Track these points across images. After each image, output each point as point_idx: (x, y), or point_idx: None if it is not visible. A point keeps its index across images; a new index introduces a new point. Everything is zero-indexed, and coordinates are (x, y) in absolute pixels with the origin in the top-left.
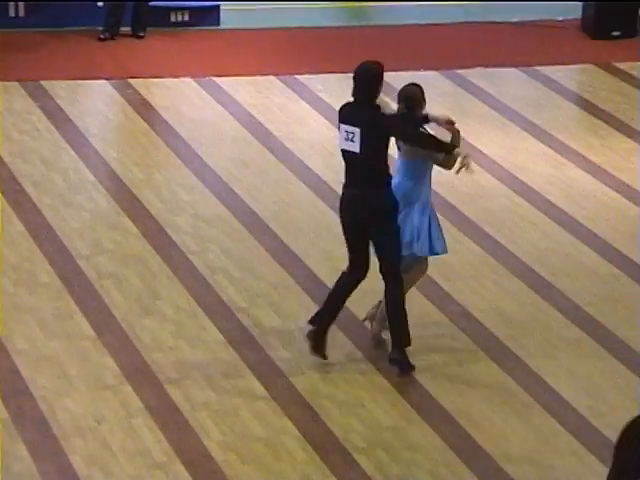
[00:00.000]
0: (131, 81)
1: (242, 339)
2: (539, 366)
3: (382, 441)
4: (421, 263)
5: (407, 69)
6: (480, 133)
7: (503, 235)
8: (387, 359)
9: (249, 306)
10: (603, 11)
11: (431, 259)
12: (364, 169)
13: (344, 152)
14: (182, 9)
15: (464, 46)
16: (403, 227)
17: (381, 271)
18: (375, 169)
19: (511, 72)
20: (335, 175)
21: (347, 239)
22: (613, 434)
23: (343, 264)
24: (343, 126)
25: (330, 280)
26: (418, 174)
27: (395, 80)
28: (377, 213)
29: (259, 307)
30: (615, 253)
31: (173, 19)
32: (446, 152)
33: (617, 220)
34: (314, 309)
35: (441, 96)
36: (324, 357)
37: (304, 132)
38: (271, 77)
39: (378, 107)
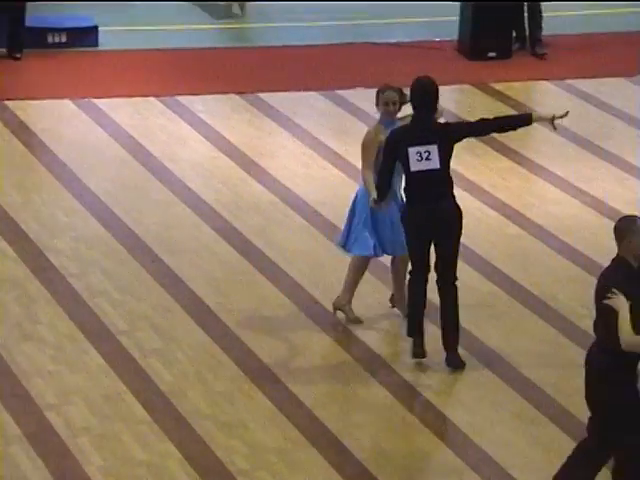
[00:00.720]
0: (8, 103)
1: (123, 362)
2: (423, 386)
3: (266, 463)
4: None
5: (288, 90)
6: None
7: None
8: (445, 362)
9: (131, 329)
10: (479, 33)
11: (317, 278)
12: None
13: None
14: (59, 30)
15: (344, 67)
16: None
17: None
18: (450, 181)
19: None
20: (216, 195)
21: (417, 248)
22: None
23: (225, 285)
24: (413, 149)
25: (212, 300)
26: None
27: (274, 100)
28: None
29: (141, 330)
30: (494, 270)
31: (50, 40)
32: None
33: (495, 237)
34: (197, 331)
35: (322, 117)
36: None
37: (185, 153)
38: (151, 98)
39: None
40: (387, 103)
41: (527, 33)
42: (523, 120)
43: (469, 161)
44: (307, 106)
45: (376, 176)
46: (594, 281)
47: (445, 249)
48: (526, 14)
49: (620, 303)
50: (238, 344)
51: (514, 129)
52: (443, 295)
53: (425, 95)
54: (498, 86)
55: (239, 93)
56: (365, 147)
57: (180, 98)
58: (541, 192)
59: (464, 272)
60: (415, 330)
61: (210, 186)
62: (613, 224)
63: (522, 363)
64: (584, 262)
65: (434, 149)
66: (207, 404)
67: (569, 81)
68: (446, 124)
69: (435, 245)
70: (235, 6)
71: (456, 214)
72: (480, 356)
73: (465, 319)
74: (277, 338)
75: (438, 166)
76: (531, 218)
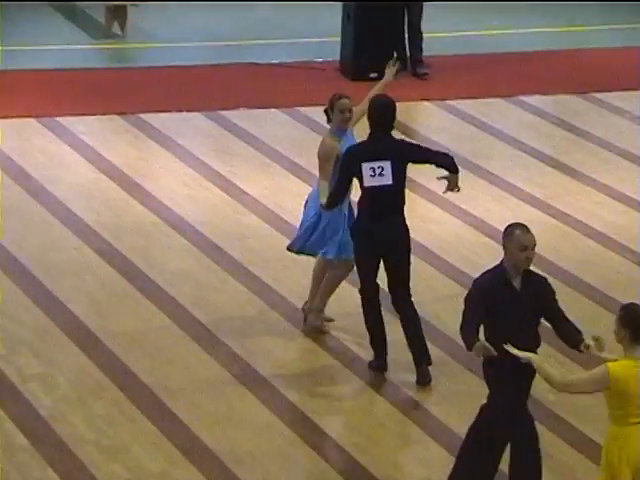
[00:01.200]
0: None
1: (2, 388)
2: (305, 405)
3: None
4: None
5: (170, 110)
6: (245, 174)
7: (268, 274)
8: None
9: (9, 353)
10: (360, 53)
11: (199, 299)
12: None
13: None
14: None
15: (227, 87)
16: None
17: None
18: (402, 199)
19: (273, 113)
20: (97, 216)
21: (365, 267)
22: None
23: (106, 306)
24: (367, 164)
25: (93, 323)
26: None
27: (156, 121)
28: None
29: (20, 354)
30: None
31: None
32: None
33: None
34: (77, 354)
35: (205, 137)
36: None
37: (65, 175)
38: (31, 120)
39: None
40: (343, 110)
41: (408, 54)
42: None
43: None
44: (189, 127)
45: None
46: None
47: (396, 265)
48: (407, 35)
49: (536, 360)
50: (120, 366)
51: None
52: (402, 312)
53: (382, 114)
54: None
55: (120, 114)
56: (324, 159)
57: (60, 119)
58: (423, 212)
59: (353, 296)
60: (380, 349)
61: (91, 208)
62: (493, 243)
63: None
64: (465, 281)
65: (387, 165)
66: (88, 428)
67: (449, 101)
68: (402, 142)
69: (385, 262)
70: (115, 26)
71: (404, 230)
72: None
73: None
74: (160, 360)
75: (390, 182)
76: (414, 238)
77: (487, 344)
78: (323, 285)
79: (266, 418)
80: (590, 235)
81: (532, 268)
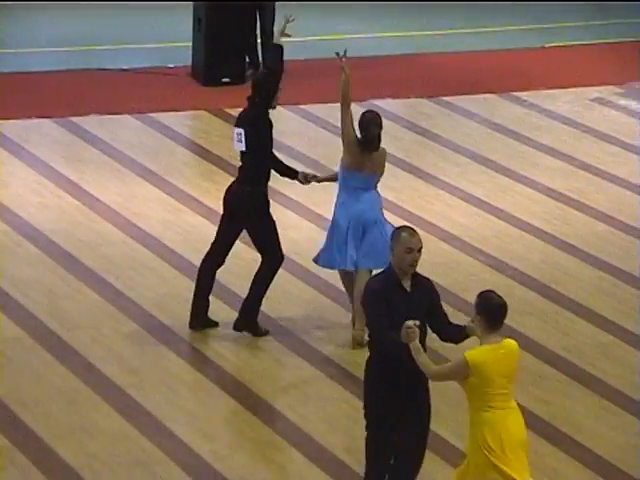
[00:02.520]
0: None
1: None
2: (162, 412)
3: None
4: None
5: (19, 117)
6: (97, 181)
7: (122, 282)
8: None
9: None
10: (212, 58)
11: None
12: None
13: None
14: None
15: (77, 93)
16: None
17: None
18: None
19: (125, 119)
20: None
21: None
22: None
23: None
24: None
25: None
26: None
27: (5, 128)
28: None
29: None
30: (234, 297)
31: None
32: None
33: (234, 264)
34: None
35: (56, 144)
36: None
37: None
38: None
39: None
40: None
41: (260, 59)
42: None
43: (206, 187)
44: (40, 134)
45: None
46: (330, 304)
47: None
48: (259, 40)
49: (415, 347)
50: None
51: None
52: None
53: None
54: (233, 111)
55: None
56: None
57: None
58: (279, 217)
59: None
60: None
61: None
62: None
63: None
64: (320, 285)
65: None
66: None
67: (303, 106)
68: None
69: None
70: None
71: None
72: (220, 382)
73: (205, 345)
74: (12, 371)
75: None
76: None
77: (410, 322)
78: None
79: (121, 427)
80: (442, 238)
81: None
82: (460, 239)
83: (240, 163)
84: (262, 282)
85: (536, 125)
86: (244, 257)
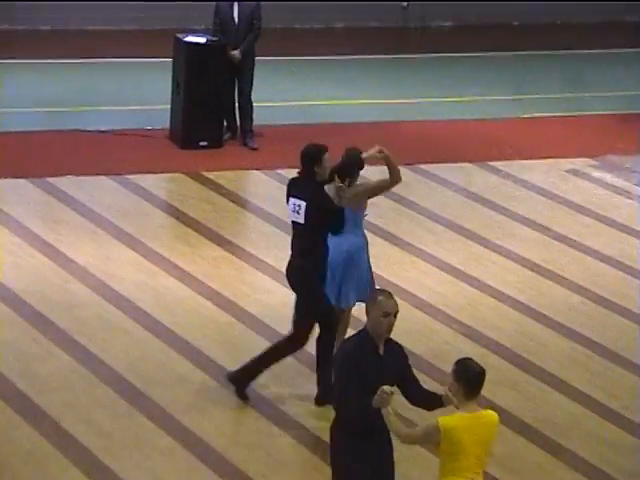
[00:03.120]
0: None
1: None
2: (132, 477)
3: None
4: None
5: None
6: (72, 242)
7: (95, 344)
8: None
9: None
10: (190, 122)
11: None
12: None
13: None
14: None
15: (55, 154)
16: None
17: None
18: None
19: (102, 180)
20: None
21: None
22: None
23: None
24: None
25: None
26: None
27: None
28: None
29: None
30: (205, 359)
31: None
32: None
33: (207, 327)
34: None
35: (32, 204)
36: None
37: None
38: None
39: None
40: None
41: (238, 123)
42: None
43: (181, 250)
44: (16, 194)
45: None
46: (303, 369)
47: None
48: (237, 104)
49: (386, 412)
50: None
51: None
52: None
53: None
54: (210, 175)
55: None
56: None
57: None
58: (253, 280)
59: (176, 361)
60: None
61: None
62: None
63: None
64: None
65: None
66: None
67: (280, 170)
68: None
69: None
70: None
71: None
72: (193, 449)
73: (178, 409)
74: None
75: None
76: (243, 307)
77: (385, 388)
78: None
79: None
80: (417, 305)
81: None
82: (435, 307)
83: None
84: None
85: (512, 195)
86: (217, 320)
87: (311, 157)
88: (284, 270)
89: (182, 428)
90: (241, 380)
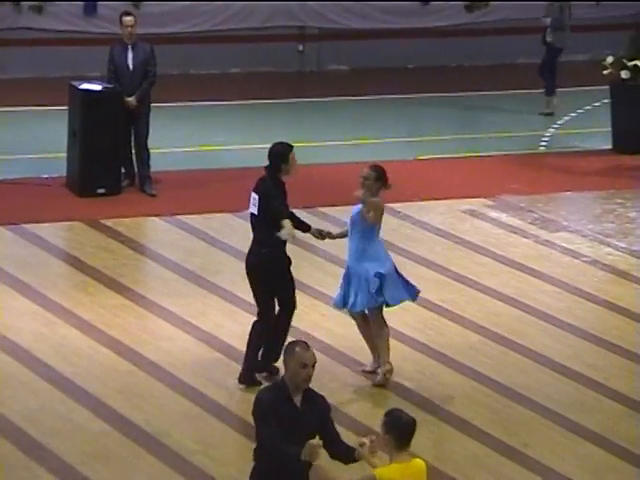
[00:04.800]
0: None
1: None
2: None
3: None
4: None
5: None
6: None
7: None
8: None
9: None
10: (87, 169)
11: None
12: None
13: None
14: None
15: None
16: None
17: None
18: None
19: None
20: None
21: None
22: None
23: None
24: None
25: None
26: None
27: None
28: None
29: None
30: (106, 409)
31: None
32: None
33: (108, 376)
34: None
35: None
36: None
37: None
38: None
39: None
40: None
41: (136, 170)
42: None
43: (80, 299)
44: None
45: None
46: (207, 415)
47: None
48: (134, 151)
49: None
50: None
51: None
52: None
53: (269, 156)
54: (109, 222)
55: None
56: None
57: None
58: (153, 328)
59: (75, 412)
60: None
61: None
62: (224, 358)
63: None
64: (196, 397)
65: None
66: None
67: (179, 216)
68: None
69: None
70: None
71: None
72: None
73: (78, 460)
74: None
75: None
76: (144, 354)
77: (313, 441)
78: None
79: None
80: (319, 348)
81: None
82: (335, 349)
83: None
84: (284, 330)
85: (410, 236)
86: (117, 369)
87: (278, 154)
88: (185, 317)
89: (82, 478)
90: (252, 378)
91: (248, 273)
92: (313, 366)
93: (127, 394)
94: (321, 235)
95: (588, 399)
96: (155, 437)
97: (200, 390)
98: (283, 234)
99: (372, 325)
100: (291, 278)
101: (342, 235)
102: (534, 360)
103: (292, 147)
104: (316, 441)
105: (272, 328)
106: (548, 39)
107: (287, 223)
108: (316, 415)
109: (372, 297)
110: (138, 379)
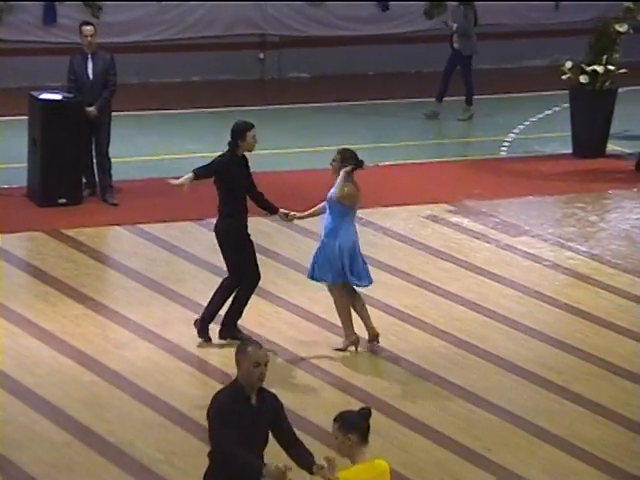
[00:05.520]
0: None
1: None
2: None
3: None
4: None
5: None
6: None
7: None
8: None
9: None
10: (48, 179)
11: None
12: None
13: None
14: None
15: None
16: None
17: None
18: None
19: None
20: None
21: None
22: None
23: None
24: None
25: None
26: None
27: None
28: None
29: None
30: (69, 420)
31: None
32: None
33: (70, 386)
34: None
35: None
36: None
37: None
38: None
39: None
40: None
41: (97, 179)
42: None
43: (42, 309)
44: None
45: None
46: (170, 424)
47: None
48: (95, 160)
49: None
50: None
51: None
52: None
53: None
54: (70, 232)
55: None
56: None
57: None
58: (116, 337)
59: (37, 422)
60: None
61: None
62: (187, 367)
63: None
64: (159, 406)
65: None
66: None
67: (141, 225)
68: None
69: None
70: None
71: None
72: None
73: (40, 471)
74: None
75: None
76: (106, 364)
77: (280, 465)
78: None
79: None
80: (282, 356)
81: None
82: (298, 355)
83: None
84: (242, 298)
85: (372, 242)
86: (80, 379)
87: (235, 131)
88: (148, 326)
89: None
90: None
91: (217, 240)
92: (266, 365)
93: (90, 404)
94: (287, 217)
95: (550, 402)
96: (119, 447)
97: (163, 399)
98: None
99: (334, 299)
100: (249, 249)
101: (309, 215)
102: (496, 364)
103: (252, 125)
104: (284, 465)
105: (231, 291)
106: (455, 46)
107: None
108: (270, 413)
109: (338, 273)
110: (101, 389)
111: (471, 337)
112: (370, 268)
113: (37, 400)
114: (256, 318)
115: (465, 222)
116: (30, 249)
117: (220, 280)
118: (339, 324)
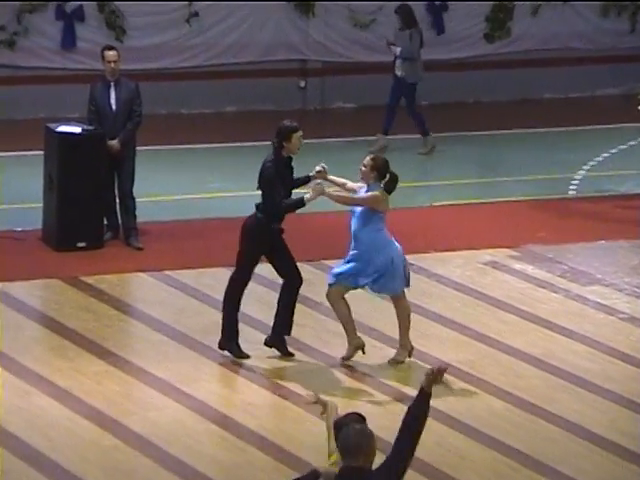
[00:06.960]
0: None
1: None
2: None
3: None
4: None
5: None
6: None
7: None
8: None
9: None
10: (66, 221)
11: None
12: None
13: None
14: None
15: None
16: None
17: None
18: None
19: None
20: None
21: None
22: None
23: None
24: None
25: None
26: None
27: None
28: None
29: None
30: None
31: None
32: None
33: (88, 450)
34: None
35: None
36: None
37: None
38: None
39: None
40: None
41: (120, 221)
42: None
43: (58, 365)
44: None
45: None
46: None
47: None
48: (117, 200)
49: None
50: None
51: None
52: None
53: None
54: (90, 279)
55: None
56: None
57: None
58: (140, 397)
59: None
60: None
61: None
62: (219, 429)
63: None
64: (187, 473)
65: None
66: None
67: (168, 272)
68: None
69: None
70: None
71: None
72: None
73: None
74: None
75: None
76: (129, 426)
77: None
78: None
79: None
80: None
81: None
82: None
83: None
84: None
85: (425, 291)
86: (99, 443)
87: (280, 132)
88: (175, 384)
89: None
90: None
91: (241, 233)
92: None
93: (110, 471)
94: (318, 173)
95: (625, 472)
96: None
97: (191, 465)
98: (308, 198)
99: (332, 306)
100: (284, 250)
101: (340, 185)
102: (565, 429)
103: (298, 127)
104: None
105: (239, 285)
106: (398, 73)
107: (312, 193)
108: None
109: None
110: (123, 454)
111: (536, 398)
112: (422, 319)
113: (51, 466)
114: (299, 375)
115: (529, 269)
116: (46, 298)
117: (263, 338)
118: (389, 383)
